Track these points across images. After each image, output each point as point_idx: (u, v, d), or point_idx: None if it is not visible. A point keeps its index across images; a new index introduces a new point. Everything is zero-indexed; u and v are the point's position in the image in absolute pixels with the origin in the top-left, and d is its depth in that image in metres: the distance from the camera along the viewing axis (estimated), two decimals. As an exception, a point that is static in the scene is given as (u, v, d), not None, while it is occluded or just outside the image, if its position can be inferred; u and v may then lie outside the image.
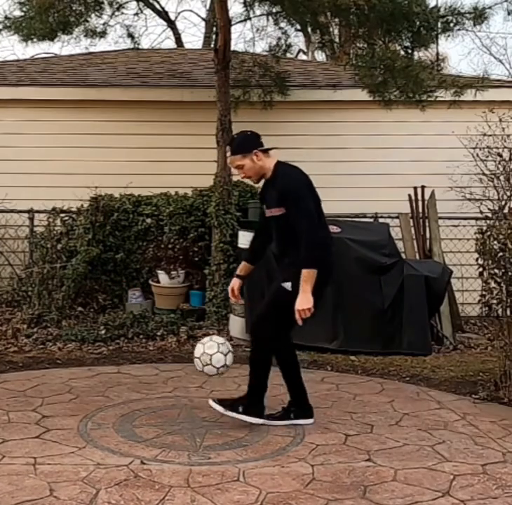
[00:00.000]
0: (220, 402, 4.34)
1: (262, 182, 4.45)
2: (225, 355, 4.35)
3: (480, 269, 5.29)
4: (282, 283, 4.22)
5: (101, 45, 23.12)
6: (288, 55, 9.63)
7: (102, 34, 8.32)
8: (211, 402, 4.34)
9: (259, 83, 8.44)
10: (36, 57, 14.37)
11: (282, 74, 8.53)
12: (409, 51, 7.46)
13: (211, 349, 4.35)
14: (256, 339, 4.35)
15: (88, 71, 9.62)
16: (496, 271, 5.16)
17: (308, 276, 4.04)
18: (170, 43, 18.80)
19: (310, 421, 4.39)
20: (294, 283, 4.12)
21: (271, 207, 4.31)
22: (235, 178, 7.60)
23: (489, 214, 7.44)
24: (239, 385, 5.30)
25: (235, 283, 4.57)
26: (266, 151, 4.31)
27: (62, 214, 7.88)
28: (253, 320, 4.50)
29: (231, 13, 7.62)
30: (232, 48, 7.94)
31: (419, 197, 7.94)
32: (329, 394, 5.13)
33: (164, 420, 4.45)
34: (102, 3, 7.93)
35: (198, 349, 4.41)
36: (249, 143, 4.30)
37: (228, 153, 4.36)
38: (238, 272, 4.65)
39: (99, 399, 4.89)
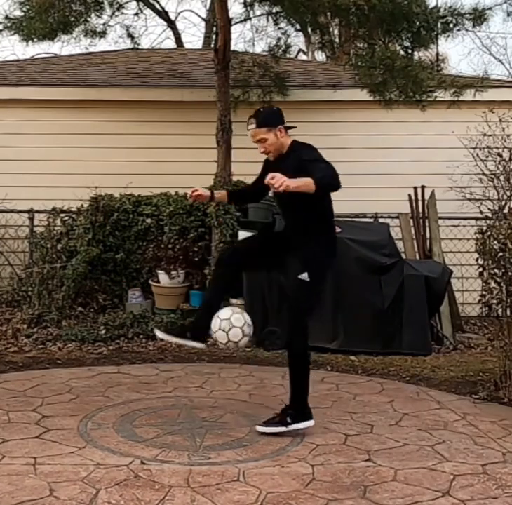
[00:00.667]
0: (272, 419, 4.23)
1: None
2: (244, 335, 4.18)
3: (480, 269, 5.29)
4: (298, 275, 4.16)
5: (101, 45, 23.11)
6: (288, 55, 9.62)
7: (102, 34, 8.32)
8: (259, 428, 4.21)
9: (258, 83, 8.44)
10: (36, 57, 14.37)
11: (282, 74, 8.53)
12: (409, 51, 7.46)
13: (237, 322, 4.18)
14: (294, 334, 4.24)
15: (88, 71, 9.62)
16: (496, 271, 5.16)
17: (307, 183, 3.82)
18: (170, 43, 18.82)
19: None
20: (310, 270, 4.13)
21: None
22: (235, 178, 7.61)
23: (489, 214, 7.44)
24: (239, 385, 5.31)
25: (204, 191, 4.59)
26: (287, 129, 4.33)
27: (62, 214, 7.87)
28: (288, 318, 4.35)
29: (231, 13, 7.63)
30: (232, 48, 7.95)
31: (419, 197, 7.94)
32: (329, 394, 5.13)
33: (164, 420, 4.45)
34: (102, 3, 7.93)
35: (226, 313, 4.25)
36: (276, 118, 4.32)
37: (253, 126, 4.27)
38: (215, 191, 4.73)
39: (99, 399, 4.89)
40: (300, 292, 4.21)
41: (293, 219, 4.32)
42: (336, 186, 3.98)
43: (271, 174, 3.82)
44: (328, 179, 3.94)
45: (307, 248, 4.21)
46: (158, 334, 4.38)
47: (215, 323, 4.18)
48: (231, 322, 4.16)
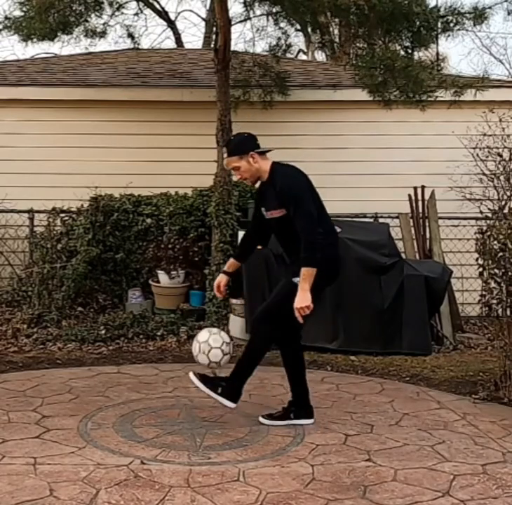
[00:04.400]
0: (202, 377, 4.31)
1: (258, 184, 4.46)
2: (224, 354, 4.34)
3: (480, 269, 5.29)
4: (292, 278, 4.19)
5: (101, 45, 23.15)
6: (288, 55, 9.63)
7: (102, 34, 8.31)
8: (191, 375, 4.32)
9: (259, 83, 8.44)
10: (36, 57, 14.37)
11: (282, 74, 8.53)
12: (409, 51, 7.45)
13: (216, 342, 4.34)
14: (258, 327, 4.33)
15: (88, 71, 9.62)
16: (496, 271, 5.16)
17: (307, 275, 4.06)
18: (170, 43, 18.81)
19: (310, 421, 4.39)
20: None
21: (270, 209, 4.31)
22: (235, 178, 7.61)
23: (489, 214, 7.44)
24: (239, 385, 5.30)
25: (222, 278, 4.59)
26: (262, 153, 4.31)
27: (62, 214, 7.88)
28: (259, 309, 4.43)
29: (231, 13, 7.62)
30: (232, 48, 7.94)
31: (419, 197, 7.94)
32: (330, 394, 5.13)
33: (164, 420, 4.45)
34: (102, 3, 7.92)
35: (204, 335, 4.41)
36: (245, 145, 4.31)
37: (225, 155, 4.34)
38: (225, 268, 4.67)
39: (99, 399, 4.89)
40: (288, 296, 4.18)
41: (286, 242, 4.34)
42: (314, 244, 4.09)
43: (297, 316, 4.07)
44: (309, 251, 4.07)
45: (299, 252, 4.18)
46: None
47: (195, 347, 4.40)
48: (209, 344, 4.34)
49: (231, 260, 4.67)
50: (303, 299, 4.04)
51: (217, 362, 4.35)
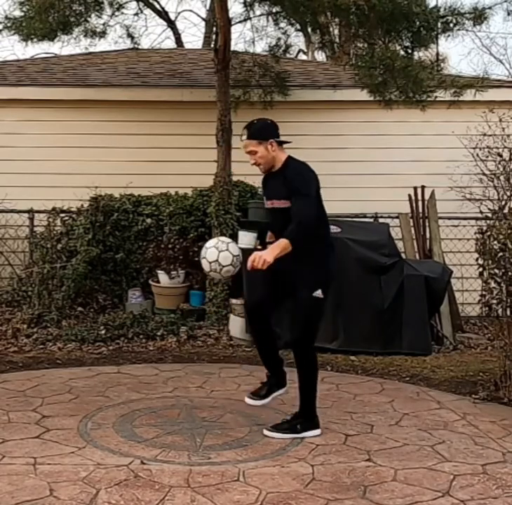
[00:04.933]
0: (275, 427, 4.23)
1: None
2: (233, 256, 4.25)
3: (480, 269, 5.29)
4: (311, 292, 4.11)
5: (101, 45, 23.10)
6: (288, 55, 9.63)
7: (102, 34, 8.31)
8: (266, 432, 4.21)
9: (259, 83, 8.44)
10: (36, 57, 14.37)
11: (282, 74, 8.53)
12: (409, 51, 7.45)
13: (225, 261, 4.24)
14: (301, 354, 4.21)
15: (88, 71, 9.62)
16: (496, 271, 5.16)
17: (284, 247, 3.92)
18: (170, 43, 18.81)
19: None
20: (321, 286, 4.13)
21: (273, 198, 4.27)
22: (235, 178, 7.61)
23: (489, 214, 7.44)
24: (239, 385, 5.31)
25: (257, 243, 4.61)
26: (281, 144, 4.29)
27: (62, 214, 7.88)
28: (294, 336, 4.24)
29: (231, 13, 7.62)
30: (232, 48, 7.94)
31: (419, 197, 7.94)
32: (330, 394, 5.13)
33: (164, 420, 4.45)
34: (102, 3, 7.92)
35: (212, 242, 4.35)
36: (267, 131, 4.28)
37: (244, 137, 4.26)
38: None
39: (99, 399, 4.89)
40: (314, 310, 4.17)
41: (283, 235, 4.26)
42: (306, 229, 4.00)
43: (250, 259, 3.89)
44: (301, 232, 3.98)
45: (309, 264, 4.14)
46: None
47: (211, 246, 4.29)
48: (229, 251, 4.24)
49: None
50: (269, 254, 3.87)
51: (222, 266, 4.25)
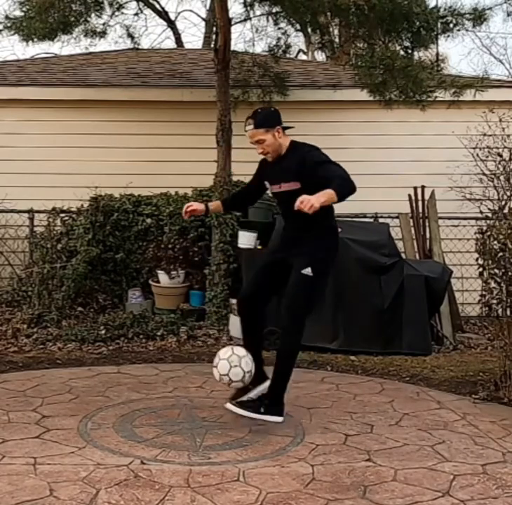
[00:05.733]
0: (240, 404, 4.28)
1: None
2: (245, 372, 4.24)
3: (480, 269, 5.29)
4: (301, 270, 4.16)
5: (101, 45, 23.16)
6: (288, 55, 9.62)
7: (102, 34, 8.31)
8: (229, 406, 4.28)
9: (258, 83, 8.44)
10: (36, 57, 14.38)
11: (281, 74, 8.53)
12: (409, 51, 7.45)
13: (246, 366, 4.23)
14: (288, 331, 4.24)
15: (88, 71, 9.62)
16: (496, 271, 5.16)
17: (330, 196, 3.88)
18: (170, 43, 18.83)
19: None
20: (314, 265, 4.15)
21: (281, 181, 4.27)
22: (235, 178, 7.61)
23: (489, 214, 7.44)
24: (239, 385, 5.30)
25: (199, 206, 4.66)
26: (285, 130, 4.33)
27: (62, 214, 7.88)
28: (283, 312, 4.28)
29: (231, 13, 7.62)
30: (232, 48, 7.94)
31: (419, 197, 7.94)
32: (329, 394, 5.13)
33: (164, 420, 4.45)
34: (102, 3, 7.92)
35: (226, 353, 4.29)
36: (273, 118, 4.32)
37: (251, 126, 4.28)
38: (210, 203, 4.83)
39: (99, 399, 4.88)
40: (301, 288, 4.18)
41: (295, 218, 4.26)
42: (353, 189, 4.07)
43: (299, 200, 3.80)
44: (347, 187, 4.03)
45: (310, 244, 4.23)
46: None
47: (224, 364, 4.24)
48: (241, 364, 4.20)
49: (219, 203, 4.89)
50: (316, 199, 3.79)
51: (232, 381, 4.26)
